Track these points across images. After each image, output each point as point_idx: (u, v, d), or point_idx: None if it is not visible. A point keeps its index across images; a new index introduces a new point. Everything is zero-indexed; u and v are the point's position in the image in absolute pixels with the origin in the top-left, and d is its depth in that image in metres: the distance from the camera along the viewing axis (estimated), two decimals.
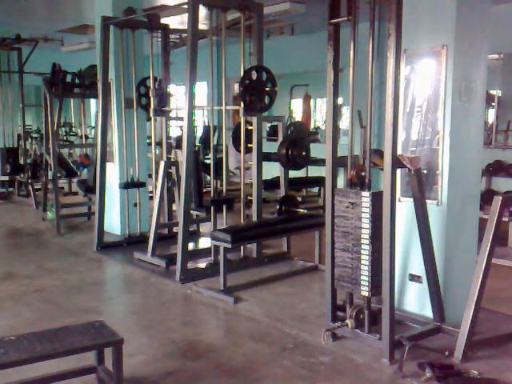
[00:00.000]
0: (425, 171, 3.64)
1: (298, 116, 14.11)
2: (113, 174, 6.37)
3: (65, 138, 10.79)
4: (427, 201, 3.55)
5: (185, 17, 5.52)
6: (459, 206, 3.74)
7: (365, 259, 3.24)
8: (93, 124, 11.28)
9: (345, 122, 10.76)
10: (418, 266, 3.73)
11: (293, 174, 6.65)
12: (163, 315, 4.12)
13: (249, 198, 5.54)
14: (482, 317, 3.43)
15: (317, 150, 7.35)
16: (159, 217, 5.60)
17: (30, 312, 4.16)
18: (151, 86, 5.90)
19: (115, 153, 6.43)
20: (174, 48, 7.15)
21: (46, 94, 7.25)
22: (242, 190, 5.30)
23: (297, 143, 5.54)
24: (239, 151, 5.34)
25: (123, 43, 5.99)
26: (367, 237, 3.21)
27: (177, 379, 3.10)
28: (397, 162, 3.20)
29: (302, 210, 5.87)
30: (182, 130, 7.30)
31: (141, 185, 6.28)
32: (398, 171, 3.46)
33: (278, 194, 6.19)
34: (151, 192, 6.92)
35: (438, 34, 3.60)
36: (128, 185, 6.18)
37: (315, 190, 9.94)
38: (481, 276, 3.20)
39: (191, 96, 4.73)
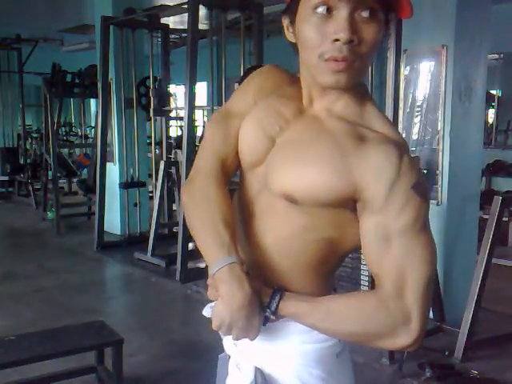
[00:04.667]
0: (425, 171, 3.64)
1: None
2: (113, 174, 6.37)
3: (65, 138, 10.79)
4: None
5: (185, 17, 5.52)
6: (459, 206, 3.74)
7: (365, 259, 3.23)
8: (93, 124, 11.28)
9: None
10: None
11: None
12: (163, 315, 4.11)
13: None
14: (482, 317, 3.43)
15: None
16: (159, 216, 5.59)
17: (30, 312, 4.16)
18: (151, 86, 5.90)
19: (115, 153, 6.43)
20: (173, 48, 7.15)
21: (46, 94, 7.24)
22: None
23: None
24: None
25: (123, 43, 5.99)
26: None
27: (177, 379, 3.10)
28: None
29: None
30: (181, 129, 7.30)
31: (141, 185, 6.27)
32: None
33: None
34: (151, 192, 6.91)
35: (437, 34, 3.60)
36: (128, 185, 6.18)
37: None
38: (481, 276, 3.19)
39: (191, 96, 4.73)
